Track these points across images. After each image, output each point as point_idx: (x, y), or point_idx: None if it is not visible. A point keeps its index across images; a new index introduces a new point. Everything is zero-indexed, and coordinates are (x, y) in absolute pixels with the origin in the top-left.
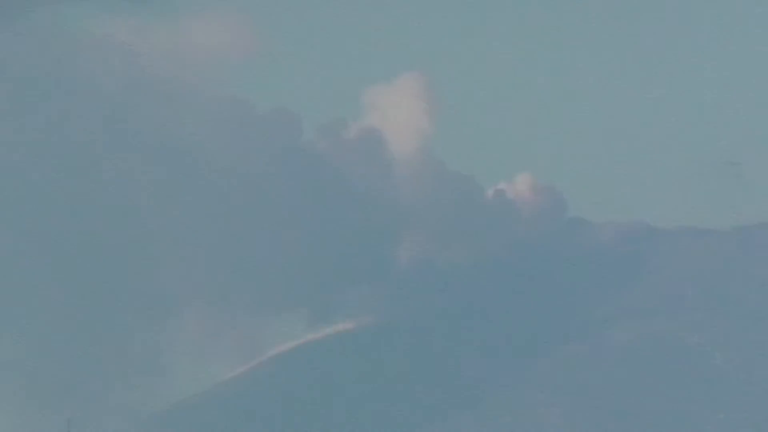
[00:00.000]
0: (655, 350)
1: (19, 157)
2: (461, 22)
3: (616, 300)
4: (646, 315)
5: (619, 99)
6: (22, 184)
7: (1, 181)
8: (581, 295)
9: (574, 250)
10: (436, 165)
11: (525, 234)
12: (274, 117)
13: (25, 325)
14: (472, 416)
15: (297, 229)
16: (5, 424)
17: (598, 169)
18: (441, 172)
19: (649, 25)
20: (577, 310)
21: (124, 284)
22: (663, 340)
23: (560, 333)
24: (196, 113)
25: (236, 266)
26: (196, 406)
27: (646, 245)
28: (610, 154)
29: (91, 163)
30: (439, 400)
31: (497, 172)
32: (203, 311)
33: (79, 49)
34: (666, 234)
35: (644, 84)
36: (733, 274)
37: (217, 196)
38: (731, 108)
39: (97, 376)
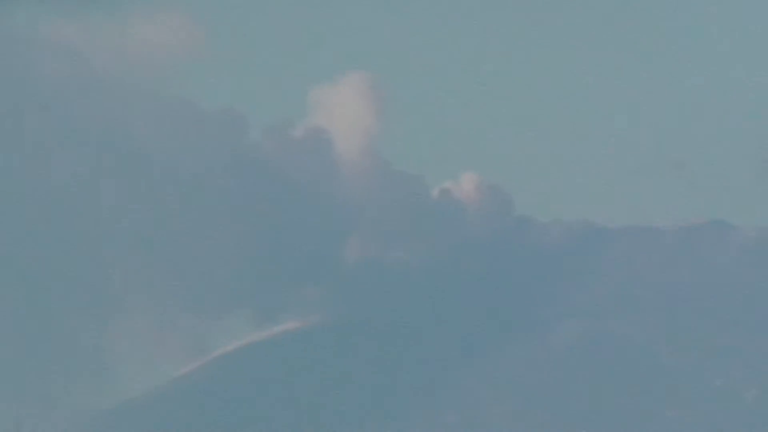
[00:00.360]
0: (602, 348)
1: None
2: (407, 23)
3: (563, 298)
4: (593, 313)
5: (565, 99)
6: None
7: None
8: (529, 293)
9: (520, 249)
10: (383, 164)
11: (471, 233)
12: (221, 117)
13: None
14: (420, 414)
15: (243, 228)
16: None
17: (544, 168)
18: (387, 171)
19: (594, 27)
20: (525, 309)
21: (70, 284)
22: (610, 338)
23: (508, 331)
24: (142, 114)
25: (183, 266)
26: (143, 405)
27: (593, 244)
28: (556, 153)
29: (37, 163)
30: (386, 399)
31: (443, 172)
32: (150, 311)
33: (25, 50)
34: (612, 233)
35: (590, 85)
36: (679, 273)
37: (163, 196)
38: (675, 110)
39: (44, 376)
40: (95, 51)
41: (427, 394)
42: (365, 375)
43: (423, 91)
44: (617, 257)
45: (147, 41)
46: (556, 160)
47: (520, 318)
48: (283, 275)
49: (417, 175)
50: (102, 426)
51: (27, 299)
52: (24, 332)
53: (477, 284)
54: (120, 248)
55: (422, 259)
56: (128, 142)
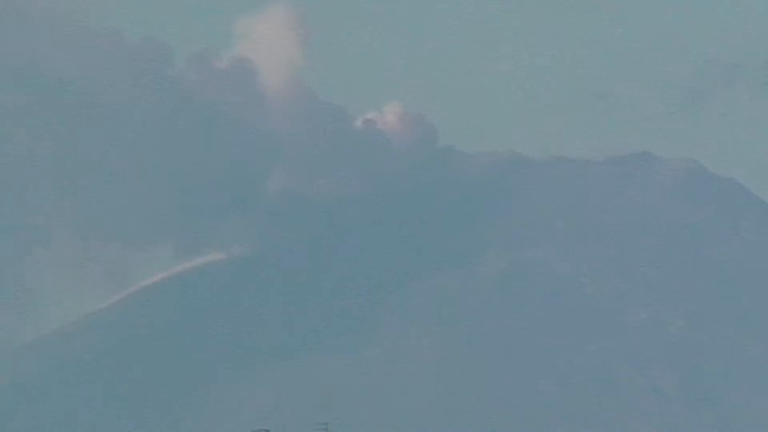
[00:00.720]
0: (527, 280)
1: None
2: None
3: (488, 230)
4: (516, 245)
5: (489, 29)
6: None
7: None
8: (452, 225)
9: (445, 180)
10: (307, 95)
11: (395, 164)
12: (145, 46)
13: None
14: (343, 347)
15: (167, 159)
16: None
17: (468, 98)
18: (311, 102)
19: None
20: (449, 240)
21: None
22: (534, 269)
23: (432, 263)
24: (65, 43)
25: (106, 197)
26: (67, 337)
27: (518, 175)
28: (480, 83)
29: None
30: (309, 331)
31: (367, 102)
32: (72, 243)
33: None
34: (538, 164)
35: (513, 16)
36: (605, 204)
37: (87, 126)
38: (599, 40)
39: None
40: None
41: (350, 326)
42: (288, 307)
43: (347, 21)
44: (542, 188)
45: None
46: (480, 90)
47: (443, 249)
48: (207, 206)
49: (341, 106)
50: (24, 359)
51: None
52: None
53: (400, 215)
54: (42, 179)
55: (346, 190)
56: (51, 72)
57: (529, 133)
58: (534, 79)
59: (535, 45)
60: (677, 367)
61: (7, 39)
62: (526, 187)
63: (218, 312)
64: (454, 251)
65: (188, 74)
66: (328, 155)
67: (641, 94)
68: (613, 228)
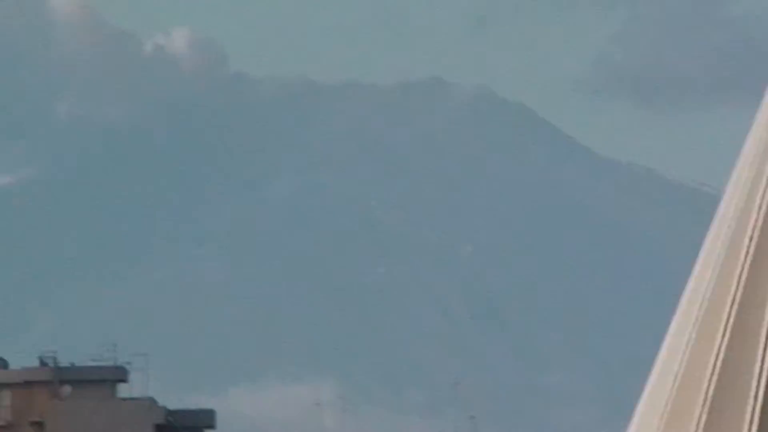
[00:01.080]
0: (318, 202)
1: None
2: None
3: (279, 154)
4: (308, 168)
5: None
6: None
7: None
8: (244, 150)
9: (236, 105)
10: (96, 21)
11: (185, 90)
12: None
13: None
14: (134, 268)
15: None
16: None
17: (259, 22)
18: (101, 27)
19: None
20: (240, 165)
21: None
22: (325, 192)
23: (224, 187)
24: None
25: None
26: None
27: (309, 100)
28: (271, 7)
29: None
30: (100, 252)
31: (156, 27)
32: None
33: None
34: (329, 89)
35: None
36: (396, 129)
37: None
38: None
39: None
40: None
41: (142, 247)
42: (77, 228)
43: None
44: (334, 114)
45: None
46: (271, 14)
47: (235, 173)
48: None
49: (130, 31)
50: None
51: None
52: None
53: (188, 141)
54: None
55: (134, 117)
56: None
57: (321, 58)
58: (326, 3)
59: None
60: (466, 289)
61: None
62: (318, 112)
63: (7, 233)
64: (246, 175)
65: None
66: (117, 81)
67: (433, 20)
68: (403, 152)
